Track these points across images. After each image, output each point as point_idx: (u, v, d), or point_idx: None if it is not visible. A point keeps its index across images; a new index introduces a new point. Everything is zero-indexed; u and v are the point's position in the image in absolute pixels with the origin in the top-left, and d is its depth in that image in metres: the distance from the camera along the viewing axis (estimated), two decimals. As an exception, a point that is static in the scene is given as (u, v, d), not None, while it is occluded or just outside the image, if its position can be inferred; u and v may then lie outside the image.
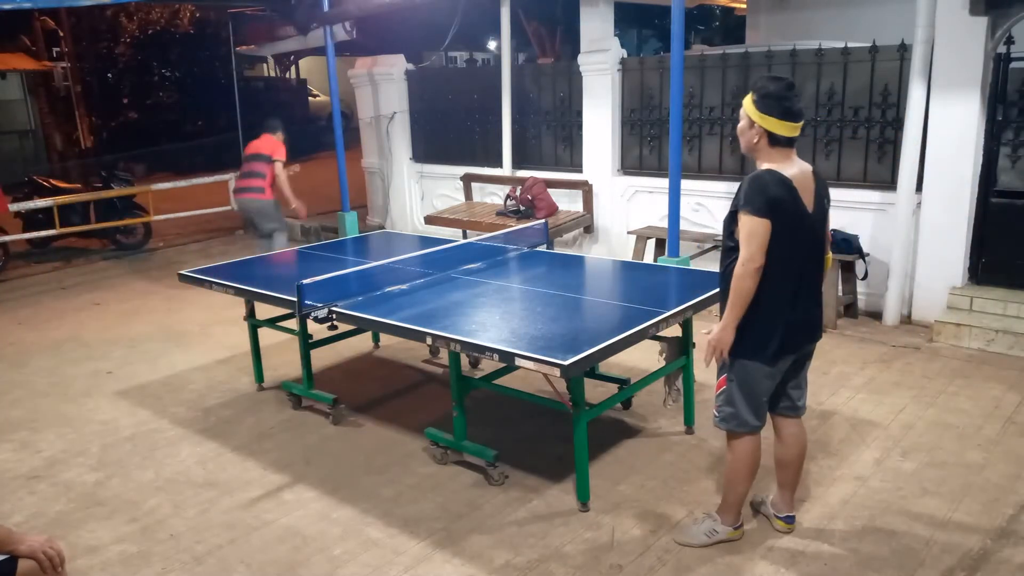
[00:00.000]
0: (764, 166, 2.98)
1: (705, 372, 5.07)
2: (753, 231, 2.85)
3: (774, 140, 2.94)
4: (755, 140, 2.97)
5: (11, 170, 13.51)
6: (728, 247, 3.05)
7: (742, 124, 3.03)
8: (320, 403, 4.80)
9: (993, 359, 5.25)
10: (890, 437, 4.23)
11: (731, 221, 3.01)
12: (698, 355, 4.34)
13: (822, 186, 3.09)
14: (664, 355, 4.17)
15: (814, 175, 3.06)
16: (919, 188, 5.78)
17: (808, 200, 2.99)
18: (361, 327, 4.26)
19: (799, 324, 3.08)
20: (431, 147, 9.36)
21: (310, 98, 23.20)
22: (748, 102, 2.98)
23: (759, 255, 2.85)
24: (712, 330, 3.03)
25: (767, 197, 2.86)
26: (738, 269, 2.89)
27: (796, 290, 3.04)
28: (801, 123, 2.97)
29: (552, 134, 8.18)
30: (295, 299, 3.92)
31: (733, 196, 3.01)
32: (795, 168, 2.99)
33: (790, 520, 3.39)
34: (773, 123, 2.92)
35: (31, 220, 9.18)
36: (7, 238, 8.88)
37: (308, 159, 18.47)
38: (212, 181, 10.40)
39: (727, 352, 3.03)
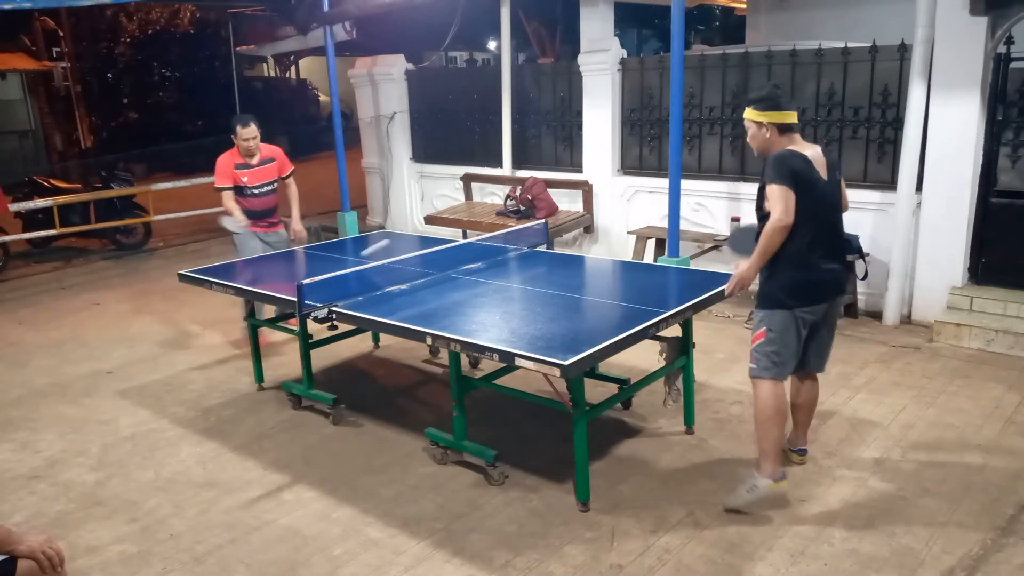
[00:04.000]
0: (782, 149, 3.47)
1: (705, 372, 5.09)
2: (780, 196, 3.36)
3: (782, 129, 3.50)
4: (767, 135, 3.51)
5: (11, 170, 13.49)
6: (760, 219, 3.56)
7: (752, 131, 3.57)
8: (320, 403, 4.79)
9: (993, 359, 5.25)
10: (890, 437, 4.23)
11: (760, 197, 3.54)
12: (699, 355, 4.34)
13: (832, 160, 3.62)
14: (664, 355, 4.17)
15: (823, 152, 3.58)
16: (919, 188, 5.78)
17: (822, 171, 3.50)
18: (361, 327, 4.26)
19: (827, 276, 3.56)
20: (431, 147, 9.36)
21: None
22: (749, 112, 3.55)
23: (786, 215, 3.35)
24: (739, 265, 3.52)
25: (789, 168, 3.38)
26: (768, 227, 3.38)
27: (821, 247, 3.50)
28: (795, 112, 3.56)
29: (552, 134, 8.18)
30: (295, 299, 3.92)
31: (759, 179, 3.56)
32: (806, 148, 3.51)
33: (802, 452, 3.96)
34: (776, 115, 3.48)
35: (31, 220, 9.18)
36: (7, 238, 8.89)
37: (308, 159, 18.60)
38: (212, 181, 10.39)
39: (747, 286, 3.54)
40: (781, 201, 3.36)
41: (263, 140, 5.80)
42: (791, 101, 3.58)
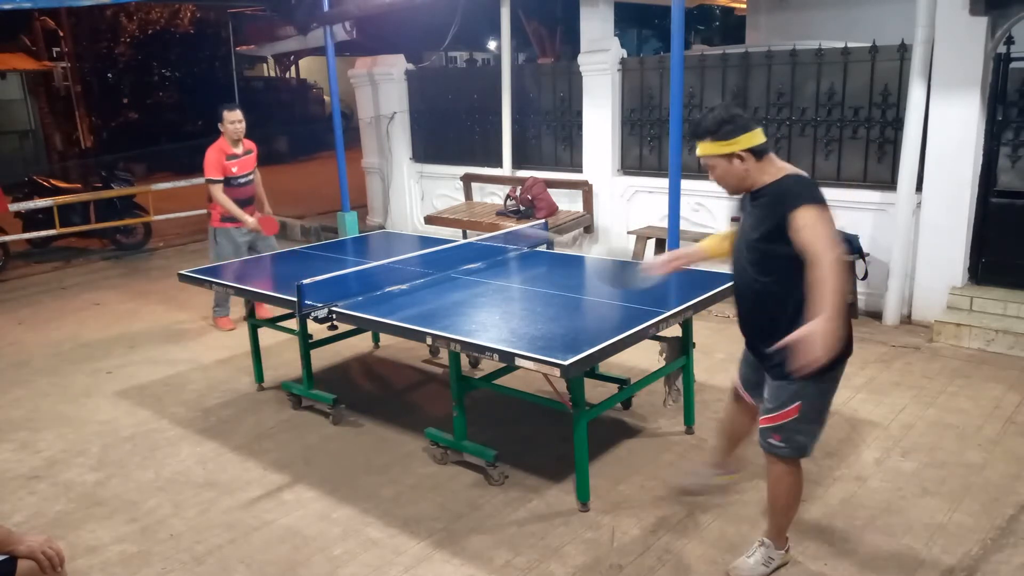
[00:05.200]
0: (779, 174, 2.82)
1: (705, 372, 5.09)
2: (827, 220, 2.66)
3: (758, 152, 2.81)
4: (746, 166, 2.81)
5: (11, 170, 13.50)
6: (765, 266, 2.82)
7: (720, 168, 2.85)
8: (320, 403, 4.80)
9: (993, 359, 5.25)
10: (890, 437, 4.23)
11: (767, 240, 2.78)
12: (699, 355, 4.33)
13: None
14: (664, 355, 4.17)
15: None
16: (919, 188, 5.78)
17: None
18: (361, 327, 4.26)
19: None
20: (431, 147, 9.36)
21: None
22: (711, 146, 2.82)
23: (838, 242, 2.66)
24: (804, 336, 2.56)
25: (817, 188, 2.75)
26: (830, 265, 2.58)
27: None
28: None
29: (552, 134, 8.18)
30: (295, 299, 3.92)
31: (766, 212, 2.79)
32: (789, 167, 2.89)
33: (732, 473, 3.67)
34: (748, 138, 2.79)
35: (31, 220, 9.17)
36: (7, 238, 8.88)
37: (308, 159, 18.60)
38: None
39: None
40: (830, 226, 2.66)
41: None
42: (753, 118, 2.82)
